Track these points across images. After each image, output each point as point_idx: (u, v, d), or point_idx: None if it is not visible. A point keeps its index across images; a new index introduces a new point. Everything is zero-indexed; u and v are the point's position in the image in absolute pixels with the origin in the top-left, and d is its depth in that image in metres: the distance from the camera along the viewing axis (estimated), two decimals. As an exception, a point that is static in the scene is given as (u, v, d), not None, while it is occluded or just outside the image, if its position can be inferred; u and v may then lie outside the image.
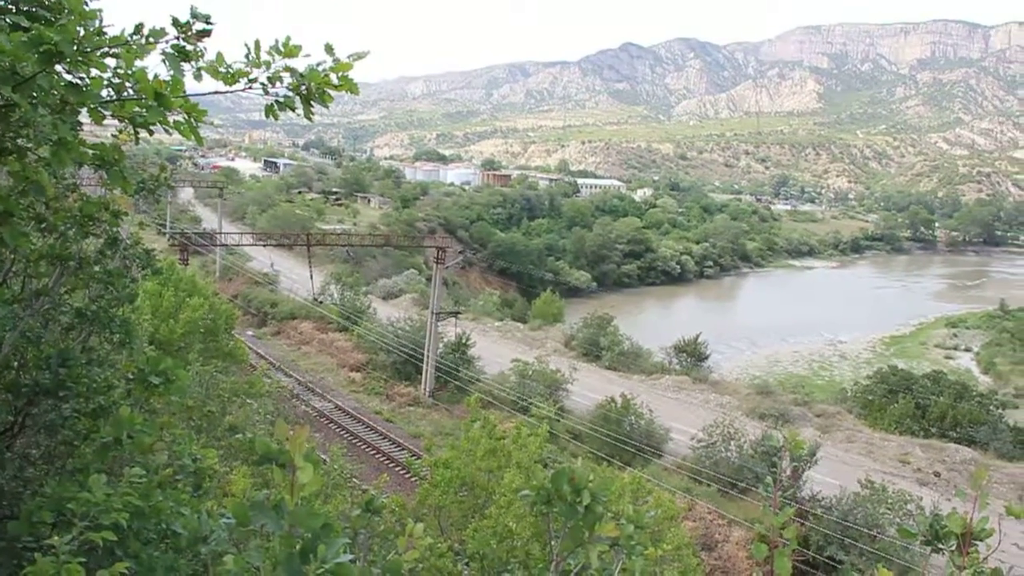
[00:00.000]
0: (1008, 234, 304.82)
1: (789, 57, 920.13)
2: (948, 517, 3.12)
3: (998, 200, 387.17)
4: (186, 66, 3.84)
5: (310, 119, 4.06)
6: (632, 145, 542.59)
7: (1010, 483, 40.91)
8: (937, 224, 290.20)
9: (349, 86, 3.92)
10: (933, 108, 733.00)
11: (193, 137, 3.98)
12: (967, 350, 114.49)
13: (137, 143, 4.16)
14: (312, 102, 3.90)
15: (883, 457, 45.87)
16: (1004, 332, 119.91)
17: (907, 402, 57.81)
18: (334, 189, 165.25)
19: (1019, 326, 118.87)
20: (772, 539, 3.09)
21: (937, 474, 43.30)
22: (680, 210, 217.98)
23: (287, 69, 3.86)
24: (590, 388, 51.44)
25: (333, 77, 3.88)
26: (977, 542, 3.10)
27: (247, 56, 3.80)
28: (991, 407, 62.25)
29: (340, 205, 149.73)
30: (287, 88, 3.90)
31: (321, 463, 17.73)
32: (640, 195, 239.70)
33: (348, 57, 3.86)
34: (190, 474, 4.98)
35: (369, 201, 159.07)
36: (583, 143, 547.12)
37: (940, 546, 3.13)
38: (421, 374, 53.98)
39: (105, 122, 3.91)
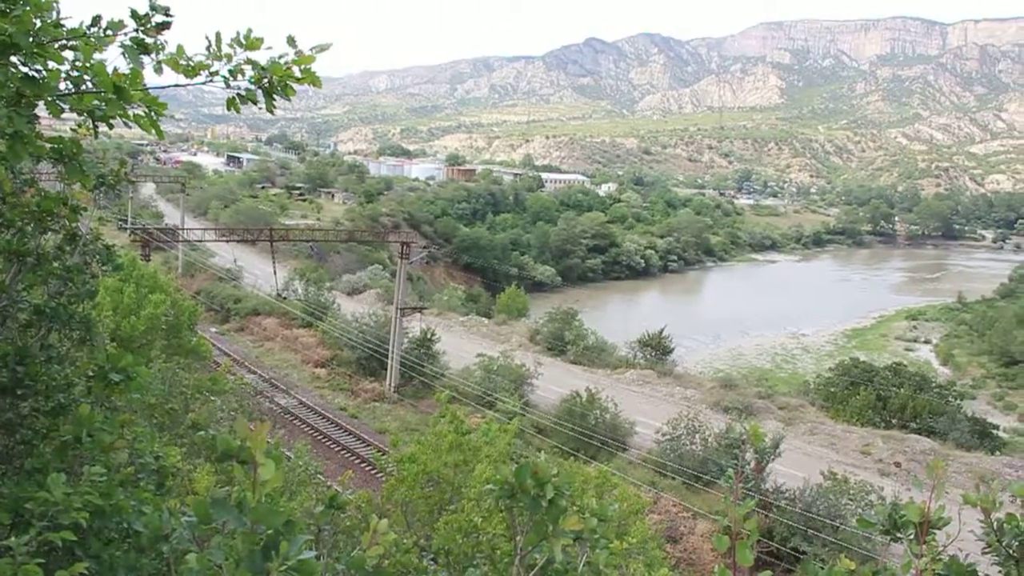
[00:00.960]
0: (965, 228, 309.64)
1: (752, 53, 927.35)
2: (906, 507, 3.15)
3: (956, 194, 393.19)
4: (146, 59, 3.78)
5: (272, 112, 4.01)
6: (596, 140, 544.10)
7: (968, 472, 41.51)
8: (897, 218, 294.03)
9: (311, 79, 3.88)
10: (893, 104, 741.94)
11: (153, 131, 3.93)
12: (926, 342, 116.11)
13: (96, 137, 4.09)
14: (274, 95, 3.85)
15: (845, 448, 46.39)
16: (962, 324, 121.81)
17: (868, 394, 58.46)
18: (298, 184, 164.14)
19: (976, 318, 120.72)
20: (734, 531, 3.11)
21: (898, 464, 43.87)
22: (644, 204, 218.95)
23: (249, 62, 3.81)
24: (555, 382, 51.54)
25: (295, 70, 3.84)
26: (935, 531, 3.14)
27: (208, 49, 3.75)
28: (949, 398, 63.15)
29: (304, 200, 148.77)
30: (249, 81, 3.85)
31: (285, 460, 17.63)
32: (604, 190, 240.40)
33: (310, 50, 3.82)
34: (152, 472, 4.92)
35: (333, 196, 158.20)
36: (547, 138, 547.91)
37: (898, 535, 3.17)
38: (386, 370, 53.80)
39: (63, 116, 3.85)
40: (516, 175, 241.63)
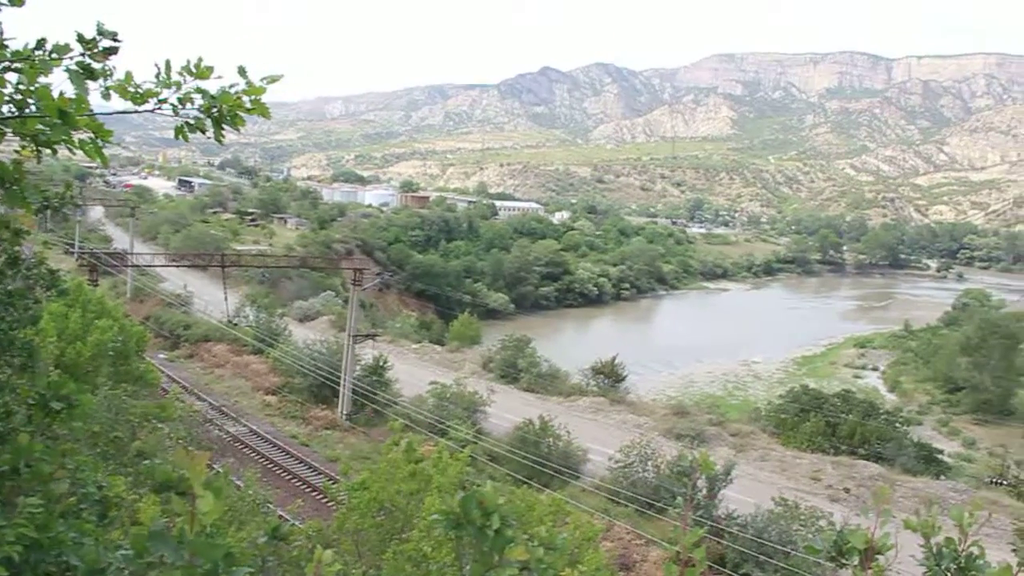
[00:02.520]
0: (911, 257, 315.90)
1: (704, 83, 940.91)
2: (851, 533, 3.20)
3: (902, 224, 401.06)
4: (93, 84, 3.74)
5: (221, 142, 3.99)
6: (550, 168, 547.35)
7: (914, 496, 42.04)
8: (845, 247, 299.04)
9: (261, 110, 3.85)
10: (841, 136, 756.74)
11: (98, 158, 3.88)
12: (874, 369, 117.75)
13: (39, 162, 4.04)
14: (224, 125, 3.83)
15: (796, 474, 46.80)
16: (908, 351, 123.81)
17: (818, 420, 59.11)
18: (250, 209, 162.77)
19: (922, 346, 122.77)
20: (683, 559, 3.12)
21: (847, 490, 44.34)
22: (598, 233, 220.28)
23: (198, 90, 3.78)
24: (508, 410, 51.45)
25: (246, 100, 3.82)
26: (879, 556, 3.19)
27: (157, 76, 3.72)
28: (897, 424, 64.07)
29: (256, 226, 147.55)
30: (198, 110, 3.82)
31: (235, 489, 17.36)
32: (558, 218, 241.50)
33: (261, 80, 3.81)
34: (95, 503, 4.82)
35: (286, 222, 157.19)
36: (502, 165, 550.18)
37: (844, 561, 3.21)
38: (338, 397, 53.32)
39: (6, 139, 3.80)
40: (470, 202, 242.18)
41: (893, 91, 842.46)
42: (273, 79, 3.79)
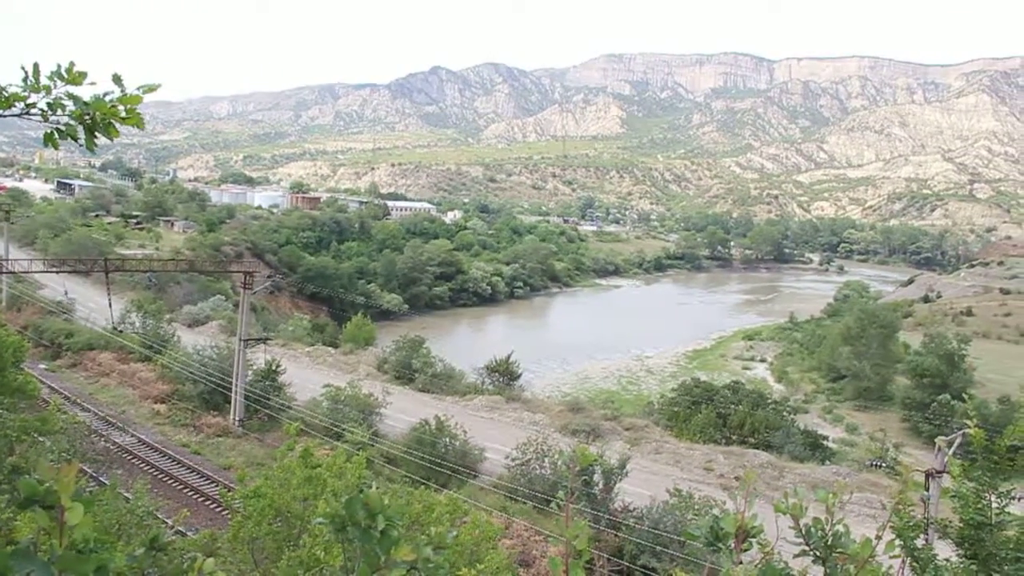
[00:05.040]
0: (795, 251, 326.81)
1: (594, 83, 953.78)
2: (723, 518, 3.34)
3: (785, 220, 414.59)
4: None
5: (92, 150, 3.89)
6: (442, 168, 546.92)
7: (802, 482, 43.37)
8: (732, 243, 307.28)
9: (136, 120, 3.76)
10: (726, 134, 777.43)
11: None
12: (762, 360, 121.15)
13: None
14: (96, 133, 3.73)
15: (689, 466, 47.81)
16: (794, 343, 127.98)
17: (709, 412, 60.59)
18: (135, 212, 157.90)
19: (806, 337, 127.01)
20: (567, 552, 3.21)
21: (738, 479, 45.51)
22: (490, 232, 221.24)
23: (70, 96, 3.68)
24: (404, 411, 51.21)
25: (121, 109, 3.73)
26: (752, 539, 3.33)
27: (24, 80, 3.62)
28: (784, 413, 66.24)
29: (141, 229, 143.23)
30: (69, 116, 3.72)
31: (123, 501, 16.86)
32: (451, 217, 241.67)
33: (138, 89, 3.72)
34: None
35: (172, 225, 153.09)
36: (393, 165, 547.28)
37: (719, 545, 3.35)
38: (230, 403, 52.23)
39: None
40: (362, 203, 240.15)
41: (775, 91, 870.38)
42: (150, 88, 3.71)
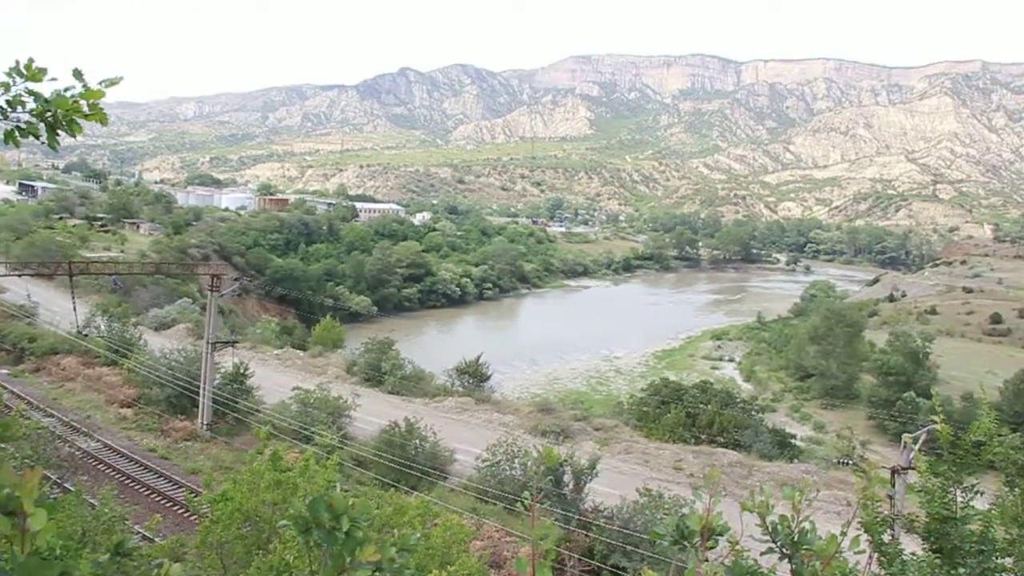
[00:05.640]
0: (762, 251, 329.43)
1: (562, 85, 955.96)
2: (688, 516, 3.34)
3: (753, 220, 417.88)
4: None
5: (55, 148, 3.82)
6: (411, 169, 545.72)
7: (770, 480, 43.65)
8: (700, 243, 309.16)
9: (99, 116, 3.69)
10: (694, 135, 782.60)
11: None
12: (730, 360, 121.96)
13: None
14: (59, 131, 3.66)
15: (659, 465, 47.96)
16: (762, 342, 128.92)
17: (678, 412, 60.85)
18: (100, 215, 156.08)
19: (774, 336, 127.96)
20: (533, 552, 3.20)
21: (707, 477, 45.74)
22: (459, 233, 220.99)
23: (30, 93, 3.60)
24: (374, 413, 50.97)
25: (83, 105, 3.67)
26: (718, 537, 3.34)
27: (-19, 77, 3.55)
28: (753, 412, 66.69)
29: (106, 231, 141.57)
30: (30, 113, 3.65)
31: (88, 508, 16.63)
32: (419, 219, 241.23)
33: (99, 84, 3.66)
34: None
35: (138, 227, 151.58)
36: (361, 167, 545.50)
37: (685, 543, 3.35)
38: (197, 407, 51.74)
39: None
40: (330, 205, 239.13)
41: (742, 93, 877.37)
42: (112, 82, 3.64)
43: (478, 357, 68.29)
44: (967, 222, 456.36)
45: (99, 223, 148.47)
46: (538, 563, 3.13)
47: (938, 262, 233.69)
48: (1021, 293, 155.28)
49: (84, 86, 3.65)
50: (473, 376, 66.27)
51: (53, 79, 3.64)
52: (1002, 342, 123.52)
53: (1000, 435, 6.98)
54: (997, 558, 6.20)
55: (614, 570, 32.24)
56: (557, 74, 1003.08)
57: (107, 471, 42.78)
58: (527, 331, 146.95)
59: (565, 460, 37.18)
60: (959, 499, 6.47)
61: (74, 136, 3.78)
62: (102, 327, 65.76)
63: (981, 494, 6.69)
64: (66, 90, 3.64)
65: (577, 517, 35.14)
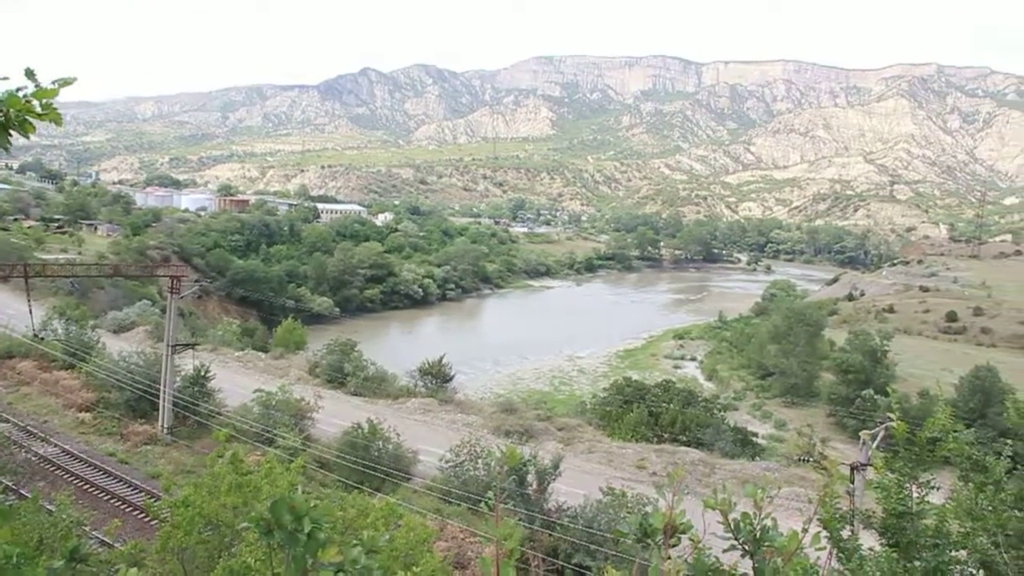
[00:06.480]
0: (723, 251, 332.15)
1: (524, 85, 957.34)
2: (651, 514, 3.38)
3: (714, 220, 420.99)
4: None
5: (6, 148, 3.76)
6: (373, 170, 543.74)
7: (732, 478, 44.02)
8: (662, 243, 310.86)
9: (53, 116, 3.64)
10: (656, 136, 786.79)
11: None
12: (692, 359, 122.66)
13: None
14: (10, 131, 3.60)
15: (622, 464, 48.19)
16: (723, 341, 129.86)
17: (641, 411, 61.18)
18: (56, 216, 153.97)
19: (735, 335, 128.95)
20: (497, 551, 3.21)
21: (670, 476, 46.02)
22: (421, 234, 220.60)
23: (-18, 93, 3.55)
24: (336, 415, 50.73)
25: (36, 104, 3.61)
26: (681, 534, 3.38)
27: (-70, 76, 3.49)
28: (715, 410, 67.25)
29: (63, 233, 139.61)
30: (-19, 113, 3.58)
31: (45, 514, 16.40)
32: (381, 219, 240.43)
33: (53, 83, 3.61)
34: None
35: (96, 228, 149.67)
36: (323, 167, 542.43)
37: (649, 541, 3.38)
38: (158, 411, 51.16)
39: None
40: (291, 205, 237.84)
41: (703, 94, 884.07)
42: (66, 82, 3.59)
43: (441, 358, 68.22)
44: (923, 222, 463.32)
45: (55, 224, 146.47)
46: (502, 563, 3.14)
47: (896, 261, 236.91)
48: (975, 292, 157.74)
49: (36, 85, 3.60)
50: (436, 377, 66.20)
51: (5, 78, 3.58)
52: (957, 340, 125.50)
53: (955, 431, 7.10)
54: (952, 551, 6.32)
55: (578, 569, 32.34)
56: (519, 75, 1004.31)
57: (65, 476, 42.15)
58: (490, 332, 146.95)
59: (529, 460, 37.23)
60: (915, 494, 6.57)
61: (27, 136, 3.73)
62: (59, 330, 64.84)
63: (937, 489, 6.80)
64: (18, 90, 3.58)
65: (541, 517, 35.20)
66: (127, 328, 79.46)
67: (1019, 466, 7.33)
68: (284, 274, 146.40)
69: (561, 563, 32.86)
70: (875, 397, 77.07)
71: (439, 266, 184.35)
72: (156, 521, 26.37)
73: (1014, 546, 6.39)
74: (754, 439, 63.31)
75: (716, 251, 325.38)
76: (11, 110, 3.53)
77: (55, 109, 3.59)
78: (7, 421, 49.40)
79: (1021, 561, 6.29)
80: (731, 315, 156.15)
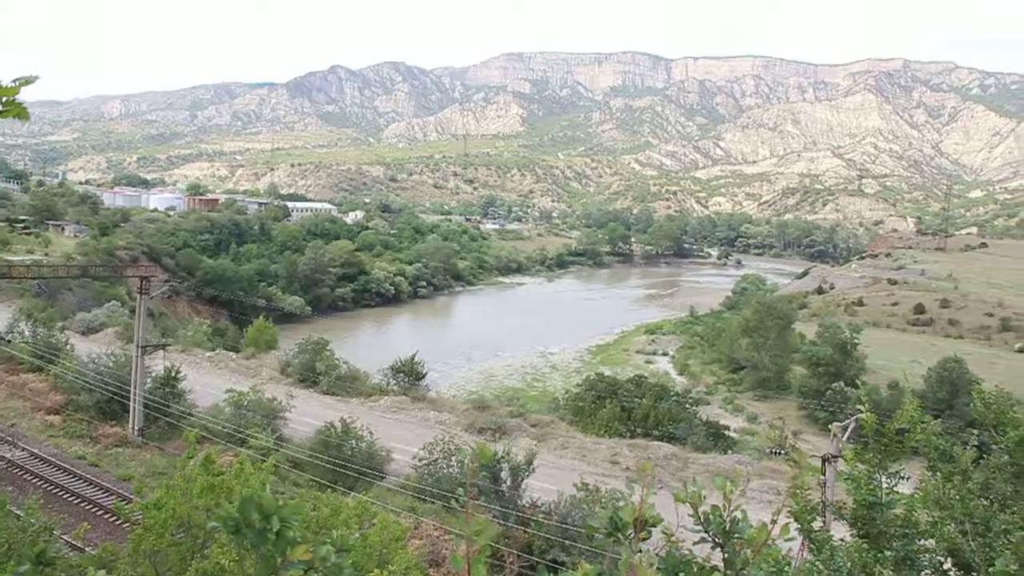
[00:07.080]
0: (694, 246, 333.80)
1: (494, 82, 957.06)
2: (621, 508, 3.39)
3: (684, 216, 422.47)
4: None
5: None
6: (343, 168, 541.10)
7: (705, 472, 44.27)
8: (633, 239, 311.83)
9: (18, 111, 3.57)
10: (626, 132, 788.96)
11: None
12: (664, 354, 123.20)
13: None
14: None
15: (595, 460, 48.35)
16: (695, 336, 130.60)
17: (614, 406, 61.34)
18: (21, 216, 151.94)
19: (707, 330, 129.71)
20: (468, 549, 3.21)
21: (639, 468, 46.22)
22: (392, 232, 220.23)
23: (-60, 92, 3.48)
24: (309, 414, 50.54)
25: (-2, 101, 3.54)
26: (651, 528, 3.39)
27: None
28: (687, 405, 67.61)
29: (29, 234, 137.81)
30: (-60, 113, 3.51)
31: (13, 519, 16.22)
32: (352, 218, 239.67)
33: (13, 81, 3.54)
34: None
35: (63, 229, 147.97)
36: (293, 166, 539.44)
37: (619, 536, 3.40)
38: (128, 412, 50.71)
39: None
40: (261, 204, 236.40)
41: (673, 90, 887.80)
42: (27, 80, 3.53)
43: (413, 355, 68.08)
44: (891, 216, 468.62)
45: (21, 225, 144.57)
46: (473, 560, 3.14)
47: (864, 255, 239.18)
48: (942, 284, 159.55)
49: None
50: (408, 375, 66.07)
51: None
52: (925, 332, 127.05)
53: (923, 422, 7.19)
54: (920, 540, 6.39)
55: (552, 565, 32.39)
56: (489, 72, 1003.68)
57: (33, 480, 41.68)
58: (462, 329, 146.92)
59: (502, 457, 37.26)
60: (884, 485, 6.65)
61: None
62: (26, 332, 64.18)
63: (906, 479, 6.89)
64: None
65: (516, 513, 35.25)
66: (96, 329, 78.73)
67: (985, 456, 7.43)
68: (255, 273, 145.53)
69: (536, 559, 32.90)
70: (845, 389, 77.74)
71: (410, 264, 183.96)
72: (127, 524, 26.16)
73: (980, 534, 6.48)
74: (726, 433, 63.77)
75: (687, 246, 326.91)
76: (-29, 109, 3.46)
77: (19, 104, 3.52)
78: (-27, 425, 48.84)
79: (987, 548, 6.39)
80: (702, 310, 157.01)
